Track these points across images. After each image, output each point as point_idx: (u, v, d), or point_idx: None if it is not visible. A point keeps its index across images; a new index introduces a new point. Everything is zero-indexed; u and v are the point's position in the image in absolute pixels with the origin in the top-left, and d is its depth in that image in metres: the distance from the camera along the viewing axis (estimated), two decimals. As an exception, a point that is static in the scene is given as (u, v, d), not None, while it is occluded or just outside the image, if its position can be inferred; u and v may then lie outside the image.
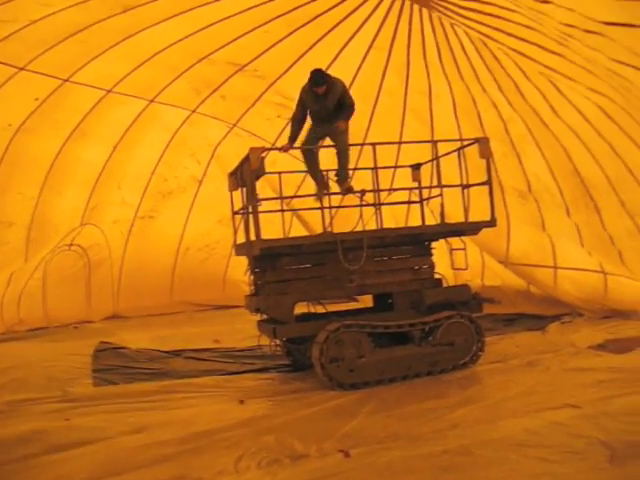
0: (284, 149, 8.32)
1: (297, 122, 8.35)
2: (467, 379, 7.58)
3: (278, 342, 8.29)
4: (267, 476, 4.80)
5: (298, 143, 8.41)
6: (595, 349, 8.73)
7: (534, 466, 4.67)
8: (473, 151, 8.34)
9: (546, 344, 9.33)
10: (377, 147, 8.11)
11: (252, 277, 8.36)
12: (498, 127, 12.79)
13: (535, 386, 6.95)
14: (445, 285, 8.55)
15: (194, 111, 13.40)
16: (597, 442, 5.00)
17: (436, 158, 8.62)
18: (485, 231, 8.67)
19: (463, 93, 12.85)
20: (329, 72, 8.27)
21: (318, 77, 7.96)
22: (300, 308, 8.07)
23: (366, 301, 9.91)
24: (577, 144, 12.08)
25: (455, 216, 8.60)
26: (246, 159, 7.51)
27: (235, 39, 11.51)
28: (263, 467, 4.95)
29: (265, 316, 8.19)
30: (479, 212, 8.40)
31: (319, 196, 8.33)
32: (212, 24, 10.90)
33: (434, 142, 8.85)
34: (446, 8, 10.63)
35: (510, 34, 10.15)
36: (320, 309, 8.33)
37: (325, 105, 8.08)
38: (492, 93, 12.46)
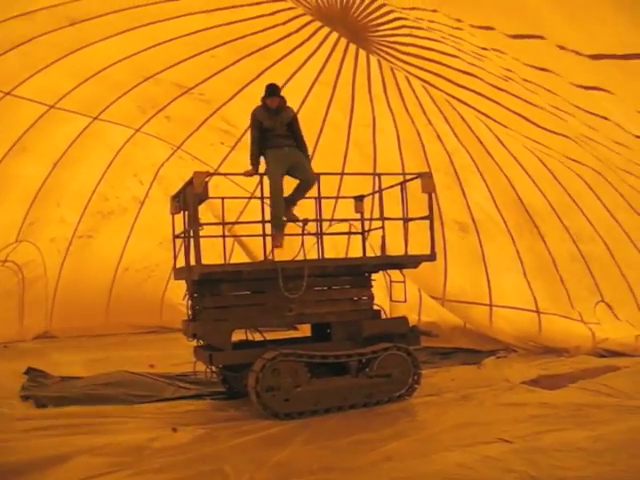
0: (248, 174, 8.22)
1: (256, 142, 8.20)
2: (402, 411, 7.58)
3: (214, 369, 8.19)
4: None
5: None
6: (528, 385, 8.84)
7: (465, 501, 4.69)
8: (415, 185, 8.44)
9: (481, 378, 9.43)
10: (320, 179, 8.17)
11: (190, 302, 8.26)
12: (442, 159, 12.96)
13: (469, 420, 6.98)
14: (383, 317, 8.59)
15: (138, 130, 13.27)
16: (528, 477, 5.05)
17: (379, 191, 8.70)
18: (423, 268, 8.77)
19: (408, 126, 13.01)
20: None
21: (274, 88, 8.04)
22: (238, 335, 7.99)
23: (305, 330, 9.88)
24: (520, 172, 12.26)
25: (395, 250, 8.67)
26: (189, 183, 7.45)
27: (182, 61, 11.48)
28: (194, 497, 4.86)
29: (202, 342, 8.09)
30: (418, 247, 8.52)
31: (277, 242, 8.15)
32: (159, 43, 10.86)
33: (378, 175, 8.94)
34: (387, 53, 10.78)
35: (449, 80, 10.34)
36: (258, 337, 8.26)
37: (280, 119, 8.06)
38: (438, 124, 12.63)
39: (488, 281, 12.83)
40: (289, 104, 8.28)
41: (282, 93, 8.23)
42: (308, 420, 7.16)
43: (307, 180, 8.19)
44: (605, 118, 6.90)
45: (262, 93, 8.11)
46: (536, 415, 7.07)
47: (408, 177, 8.68)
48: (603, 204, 11.09)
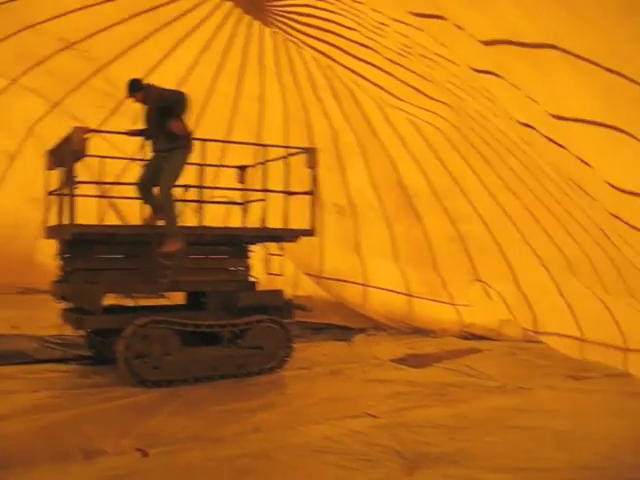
0: (131, 133, 8.02)
1: None
2: (272, 384, 7.65)
3: (82, 333, 7.95)
4: (57, 475, 4.56)
5: None
6: (396, 362, 9.11)
7: (331, 472, 4.78)
8: (297, 163, 8.45)
9: (350, 355, 9.64)
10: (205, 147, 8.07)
11: (61, 263, 7.96)
12: (327, 138, 12.94)
13: (337, 394, 7.14)
14: (259, 289, 8.58)
15: (14, 81, 12.56)
16: (392, 451, 5.21)
17: (263, 162, 8.66)
18: (301, 245, 8.81)
19: (296, 101, 12.95)
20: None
21: (128, 86, 7.67)
22: (109, 300, 7.77)
23: (176, 298, 9.72)
24: (404, 153, 12.35)
25: (274, 225, 8.68)
26: (68, 138, 7.15)
27: (66, 13, 10.87)
28: (55, 462, 4.70)
29: (71, 304, 7.83)
30: (297, 226, 8.57)
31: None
32: (43, -9, 10.28)
33: (264, 146, 8.89)
34: (284, 24, 10.66)
35: (345, 51, 10.34)
36: (130, 302, 8.06)
37: (148, 117, 7.78)
38: (327, 100, 12.57)
39: (363, 265, 13.05)
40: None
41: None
42: (177, 389, 7.08)
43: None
44: (493, 102, 7.10)
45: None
46: (402, 392, 7.30)
47: (293, 151, 8.68)
48: (484, 185, 11.31)
